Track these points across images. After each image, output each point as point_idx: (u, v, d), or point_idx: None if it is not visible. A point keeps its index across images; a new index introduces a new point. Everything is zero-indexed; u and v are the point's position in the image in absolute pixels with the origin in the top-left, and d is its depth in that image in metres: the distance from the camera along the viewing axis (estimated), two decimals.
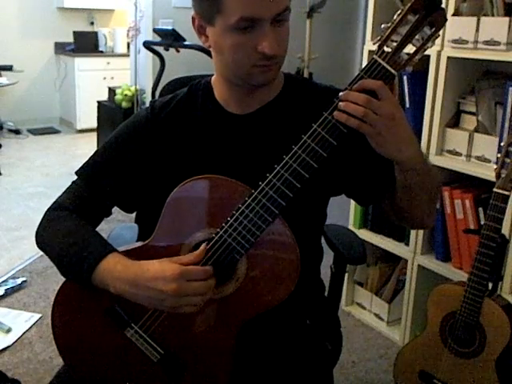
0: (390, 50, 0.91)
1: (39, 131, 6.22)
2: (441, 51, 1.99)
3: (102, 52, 6.29)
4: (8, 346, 2.26)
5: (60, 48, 6.28)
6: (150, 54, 3.83)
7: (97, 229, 1.15)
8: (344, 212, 2.49)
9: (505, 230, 1.78)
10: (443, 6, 0.91)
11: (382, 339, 2.41)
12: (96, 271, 1.01)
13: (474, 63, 1.99)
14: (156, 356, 1.05)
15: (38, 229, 1.15)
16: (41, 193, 4.20)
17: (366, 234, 2.43)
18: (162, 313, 1.03)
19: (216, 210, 1.01)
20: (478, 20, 1.87)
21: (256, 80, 1.05)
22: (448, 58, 1.97)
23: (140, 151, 1.15)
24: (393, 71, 0.92)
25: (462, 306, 1.60)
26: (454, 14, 1.95)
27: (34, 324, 2.42)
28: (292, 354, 1.19)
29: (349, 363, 2.24)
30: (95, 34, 6.33)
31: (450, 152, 2.06)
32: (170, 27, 3.46)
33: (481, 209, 1.95)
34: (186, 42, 3.33)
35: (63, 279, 1.09)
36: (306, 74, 3.97)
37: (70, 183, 1.19)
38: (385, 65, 0.91)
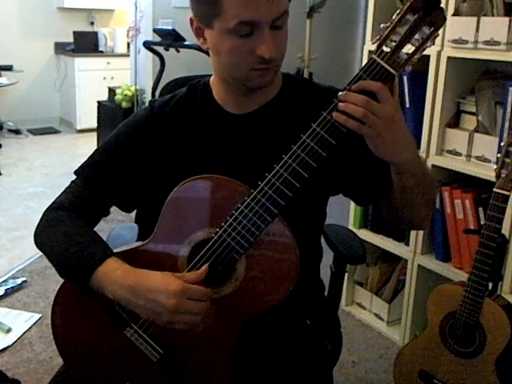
0: (389, 49, 0.91)
1: (39, 131, 6.22)
2: (441, 51, 1.99)
3: (101, 52, 6.29)
4: (8, 346, 2.26)
5: (60, 48, 6.29)
6: (150, 54, 3.83)
7: (97, 229, 1.15)
8: (344, 212, 2.49)
9: (505, 230, 1.78)
10: (442, 5, 0.90)
11: (382, 339, 2.41)
12: (94, 275, 1.01)
13: (474, 63, 1.99)
14: (155, 356, 1.05)
15: (37, 229, 1.15)
16: (41, 193, 4.20)
17: (366, 234, 2.42)
18: None
19: (215, 209, 1.01)
20: (478, 20, 1.87)
21: (253, 83, 1.05)
22: (448, 57, 1.97)
23: (139, 151, 1.15)
24: (392, 71, 0.91)
25: (462, 306, 1.60)
26: (453, 14, 1.95)
27: (34, 324, 2.42)
28: (292, 354, 1.19)
29: (349, 363, 2.24)
30: (95, 34, 6.33)
31: (450, 152, 2.06)
32: (169, 27, 3.46)
33: (481, 209, 1.95)
34: (185, 42, 3.33)
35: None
36: (306, 74, 3.97)
37: (69, 183, 1.19)
38: (384, 64, 0.91)
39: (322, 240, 1.32)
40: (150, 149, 1.15)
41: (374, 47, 0.93)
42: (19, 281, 2.75)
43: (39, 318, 2.46)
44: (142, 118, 1.18)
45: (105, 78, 6.08)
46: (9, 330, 2.35)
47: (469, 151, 2.00)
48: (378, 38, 0.92)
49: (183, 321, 0.96)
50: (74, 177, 1.19)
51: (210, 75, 1.18)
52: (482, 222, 1.89)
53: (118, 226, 1.50)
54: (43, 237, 1.13)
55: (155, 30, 3.59)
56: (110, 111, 4.81)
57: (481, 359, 1.61)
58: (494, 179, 1.56)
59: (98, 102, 5.03)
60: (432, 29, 0.90)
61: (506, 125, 1.86)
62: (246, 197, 0.97)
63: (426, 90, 2.07)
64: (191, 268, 1.01)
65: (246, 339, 1.07)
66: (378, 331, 2.46)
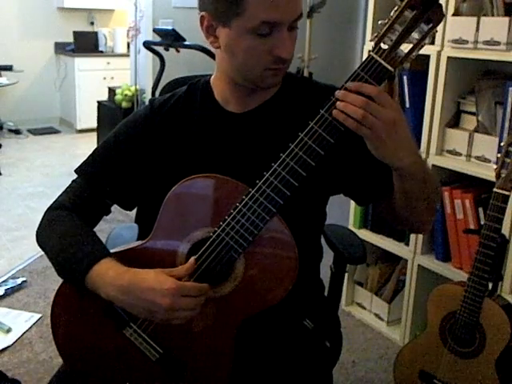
0: (386, 46, 0.90)
1: (39, 131, 6.22)
2: (441, 51, 1.99)
3: (102, 52, 6.29)
4: (8, 346, 2.26)
5: (60, 48, 6.28)
6: (150, 54, 3.83)
7: (97, 229, 1.16)
8: (344, 212, 2.49)
9: (505, 230, 1.78)
10: (441, 2, 0.90)
11: (382, 339, 2.41)
12: (89, 275, 1.01)
13: (474, 63, 1.99)
14: (155, 355, 1.04)
15: (38, 229, 1.16)
16: (41, 193, 4.20)
17: (366, 234, 2.42)
18: None
19: (214, 208, 1.01)
20: (478, 20, 1.87)
21: (266, 82, 1.06)
22: (448, 57, 1.97)
23: (139, 149, 1.15)
24: (390, 68, 0.91)
25: (462, 306, 1.60)
26: (453, 14, 1.95)
27: (34, 324, 2.42)
28: (292, 353, 1.19)
29: (349, 363, 2.24)
30: (95, 34, 6.33)
31: (450, 152, 2.06)
32: (169, 27, 3.45)
33: (481, 209, 1.95)
34: (185, 42, 3.33)
35: None
36: (306, 74, 3.96)
37: (70, 183, 1.20)
38: (381, 62, 0.91)
39: (322, 240, 1.32)
40: (149, 147, 1.15)
41: (372, 45, 0.93)
42: (19, 281, 2.75)
43: (39, 318, 2.46)
44: (142, 116, 1.18)
45: (105, 78, 6.08)
46: (9, 330, 2.35)
47: (469, 151, 2.00)
48: (375, 35, 0.91)
49: (179, 317, 0.97)
50: (74, 176, 1.20)
51: (210, 75, 1.18)
52: (482, 222, 1.89)
53: (117, 226, 1.50)
54: (43, 237, 1.14)
55: (155, 30, 3.59)
56: (109, 111, 4.81)
57: (481, 359, 1.61)
58: (494, 179, 1.56)
59: (98, 102, 5.03)
60: (430, 25, 0.90)
61: (506, 125, 1.86)
62: (245, 196, 0.96)
63: (425, 90, 2.06)
64: None
65: (246, 339, 1.07)
66: (378, 331, 2.46)
